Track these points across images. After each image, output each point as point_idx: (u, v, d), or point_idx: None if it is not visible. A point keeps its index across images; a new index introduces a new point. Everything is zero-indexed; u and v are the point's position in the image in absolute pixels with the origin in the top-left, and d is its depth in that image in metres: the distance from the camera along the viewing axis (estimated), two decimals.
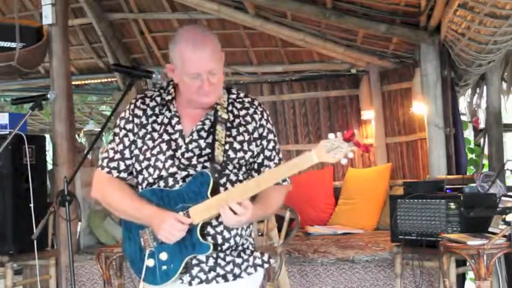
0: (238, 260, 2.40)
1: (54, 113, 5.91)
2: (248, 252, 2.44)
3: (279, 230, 4.80)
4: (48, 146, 5.91)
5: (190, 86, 2.35)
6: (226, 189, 2.35)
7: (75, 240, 5.85)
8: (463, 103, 7.66)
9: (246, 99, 2.51)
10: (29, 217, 5.05)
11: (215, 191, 2.31)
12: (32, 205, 5.12)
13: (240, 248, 2.42)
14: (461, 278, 5.20)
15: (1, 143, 4.05)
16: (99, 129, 5.91)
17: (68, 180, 3.27)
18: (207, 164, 2.36)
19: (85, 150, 6.77)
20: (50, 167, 6.18)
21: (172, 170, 2.36)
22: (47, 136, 6.14)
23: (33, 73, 7.69)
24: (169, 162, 2.37)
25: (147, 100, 2.47)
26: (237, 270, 2.39)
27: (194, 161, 2.37)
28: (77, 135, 7.83)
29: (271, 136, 2.50)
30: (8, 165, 5.20)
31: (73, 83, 7.00)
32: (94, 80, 8.68)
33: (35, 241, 4.52)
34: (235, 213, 2.24)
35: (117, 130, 2.47)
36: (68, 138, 5.87)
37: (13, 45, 5.80)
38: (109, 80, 8.62)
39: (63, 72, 5.93)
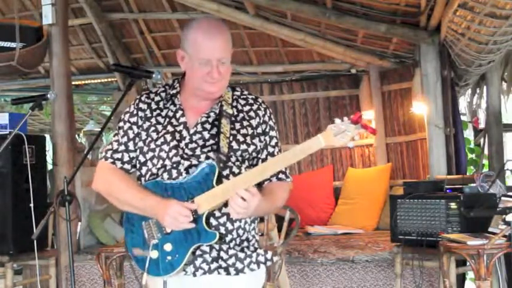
0: (241, 255, 2.41)
1: (54, 113, 5.91)
2: (252, 248, 2.45)
3: (279, 230, 4.80)
4: (48, 146, 5.91)
5: (199, 72, 2.39)
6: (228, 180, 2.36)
7: (75, 240, 5.85)
8: (463, 103, 7.67)
9: (250, 96, 2.55)
10: (29, 217, 5.04)
11: (220, 181, 2.33)
12: (32, 205, 5.11)
13: (245, 243, 2.44)
14: (461, 278, 5.20)
15: (1, 143, 4.03)
16: (99, 129, 5.90)
17: (68, 180, 3.27)
18: (211, 155, 2.38)
19: (85, 150, 6.77)
20: (50, 167, 6.18)
21: (176, 159, 2.38)
22: (47, 136, 6.14)
23: (33, 73, 7.68)
24: (173, 151, 2.39)
25: (152, 95, 2.52)
26: (239, 265, 2.40)
27: (198, 152, 2.40)
28: (77, 135, 7.82)
29: (273, 133, 2.53)
30: (8, 165, 5.19)
31: (73, 83, 6.99)
32: (94, 80, 8.69)
33: (35, 241, 4.52)
34: (243, 200, 2.24)
35: (121, 124, 2.50)
36: (68, 138, 5.87)
37: (13, 45, 5.80)
38: (109, 80, 8.62)
39: (63, 72, 5.92)
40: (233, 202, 2.25)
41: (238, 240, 2.42)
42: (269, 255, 2.49)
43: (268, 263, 2.48)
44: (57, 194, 3.23)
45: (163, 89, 2.53)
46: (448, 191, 4.75)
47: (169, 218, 2.30)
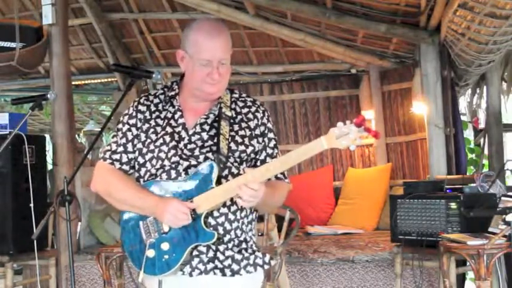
0: (238, 257, 2.41)
1: (54, 113, 5.91)
2: (250, 250, 2.45)
3: (279, 230, 4.80)
4: (48, 146, 5.91)
5: (200, 72, 2.41)
6: (227, 181, 2.37)
7: (75, 240, 5.85)
8: (463, 103, 7.67)
9: (248, 99, 2.57)
10: (29, 217, 5.04)
11: (219, 182, 2.35)
12: (32, 205, 5.11)
13: (243, 244, 2.44)
14: (461, 278, 5.20)
15: (1, 143, 4.03)
16: (99, 129, 5.90)
17: (68, 180, 3.26)
18: (209, 155, 2.40)
19: (85, 150, 6.77)
20: (50, 167, 6.18)
21: (175, 159, 2.40)
22: (47, 136, 6.14)
23: (33, 73, 7.69)
24: (172, 152, 2.41)
25: (151, 97, 2.53)
26: (235, 267, 2.40)
27: (197, 152, 2.41)
28: (77, 135, 7.82)
29: (272, 135, 2.55)
30: (8, 165, 5.19)
31: (73, 83, 6.99)
32: (94, 80, 8.69)
33: (35, 241, 4.53)
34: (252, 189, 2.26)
35: (120, 126, 2.51)
36: (68, 138, 5.87)
37: (13, 45, 5.80)
38: (109, 80, 8.62)
39: (63, 72, 5.92)
40: (242, 192, 2.26)
41: (236, 241, 2.42)
42: (267, 258, 2.50)
43: (266, 267, 2.48)
44: (57, 194, 3.22)
45: (162, 91, 2.54)
46: (448, 191, 4.75)
47: (168, 214, 2.32)
